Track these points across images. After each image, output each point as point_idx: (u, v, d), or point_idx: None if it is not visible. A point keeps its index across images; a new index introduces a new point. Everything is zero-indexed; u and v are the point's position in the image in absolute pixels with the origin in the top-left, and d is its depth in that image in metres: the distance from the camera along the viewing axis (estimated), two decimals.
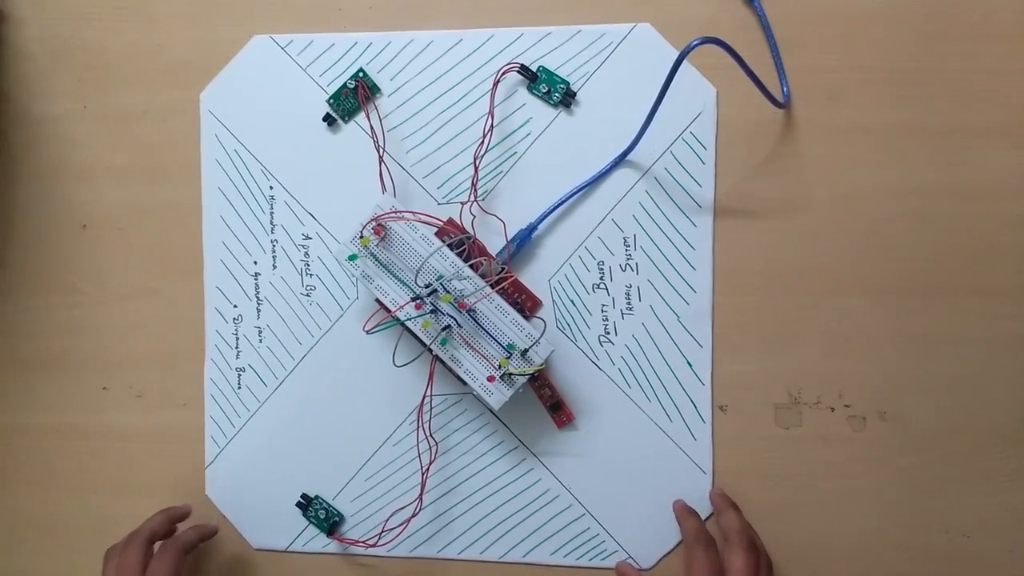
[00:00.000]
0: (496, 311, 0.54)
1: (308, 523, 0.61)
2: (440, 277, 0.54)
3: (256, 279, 0.62)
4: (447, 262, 0.55)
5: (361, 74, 0.61)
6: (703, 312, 0.58)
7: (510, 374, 0.54)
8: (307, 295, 0.62)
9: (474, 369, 0.55)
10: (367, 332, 0.54)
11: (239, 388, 0.62)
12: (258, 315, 0.62)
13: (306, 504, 0.61)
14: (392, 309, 0.55)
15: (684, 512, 0.56)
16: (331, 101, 0.61)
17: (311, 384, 0.62)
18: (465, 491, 0.60)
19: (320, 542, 0.61)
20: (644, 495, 0.58)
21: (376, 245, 0.55)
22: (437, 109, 0.60)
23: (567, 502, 0.59)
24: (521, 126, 0.60)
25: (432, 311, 0.54)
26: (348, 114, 0.61)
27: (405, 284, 0.55)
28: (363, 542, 0.60)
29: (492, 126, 0.58)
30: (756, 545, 0.52)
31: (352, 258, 0.55)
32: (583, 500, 0.59)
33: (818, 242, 0.58)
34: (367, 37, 0.61)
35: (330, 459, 0.61)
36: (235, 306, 0.62)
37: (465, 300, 0.54)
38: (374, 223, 0.54)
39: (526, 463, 0.60)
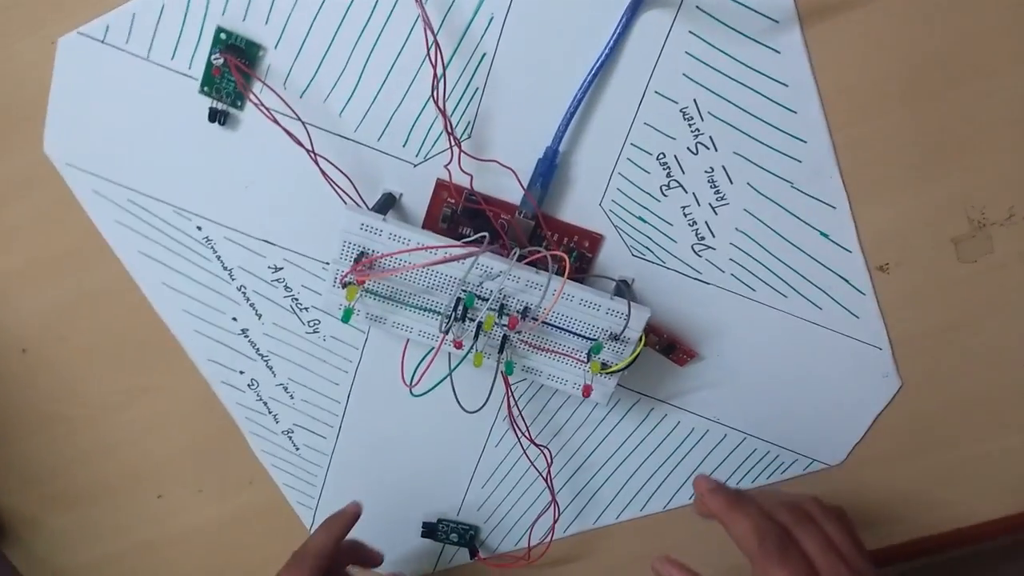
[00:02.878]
0: (558, 299, 0.39)
1: (443, 545, 0.54)
2: (469, 299, 0.39)
3: (247, 336, 0.48)
4: (467, 264, 0.39)
5: (224, 37, 0.40)
6: (824, 163, 0.41)
7: (608, 372, 0.40)
8: (315, 331, 0.48)
9: (559, 372, 0.42)
10: (413, 394, 0.41)
11: (298, 450, 0.52)
12: (272, 373, 0.49)
13: (431, 531, 0.53)
14: (423, 345, 0.41)
15: (726, 507, 0.37)
16: (205, 89, 0.41)
17: (374, 416, 0.50)
18: (598, 461, 0.50)
19: (466, 553, 0.54)
20: (812, 396, 0.46)
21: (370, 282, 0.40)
22: (350, 36, 0.40)
23: (720, 433, 0.48)
24: (476, 12, 0.39)
25: (477, 330, 0.40)
26: (238, 97, 0.42)
27: (427, 309, 0.40)
28: (515, 560, 0.52)
29: (435, 33, 0.39)
30: (806, 509, 0.38)
31: (347, 316, 0.40)
32: (738, 426, 0.48)
33: (957, 10, 0.38)
34: None
35: (434, 481, 0.52)
36: (241, 372, 0.50)
37: (516, 314, 0.39)
38: (351, 275, 0.38)
39: (656, 412, 0.48)
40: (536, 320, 0.39)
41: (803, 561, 0.35)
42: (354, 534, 0.49)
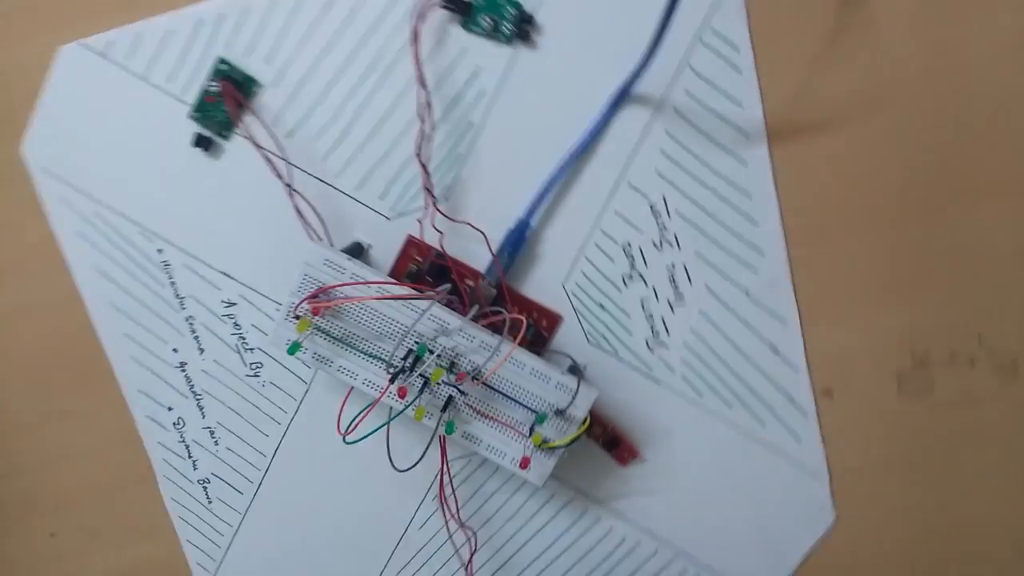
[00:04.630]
0: (508, 365, 0.39)
1: None
2: (421, 349, 0.38)
3: (184, 370, 0.47)
4: (425, 316, 0.39)
5: (224, 68, 0.42)
6: (779, 277, 0.42)
7: (549, 447, 0.40)
8: (255, 375, 0.47)
9: (498, 444, 0.40)
10: (346, 441, 0.39)
11: (210, 503, 0.49)
12: (202, 414, 0.47)
13: None
14: (367, 394, 0.40)
15: None
16: (197, 116, 0.43)
17: (296, 478, 0.48)
18: (523, 561, 0.48)
19: None
20: (747, 518, 0.45)
21: (323, 318, 0.39)
22: (345, 88, 0.42)
23: (651, 548, 0.47)
24: (468, 83, 0.41)
25: (423, 387, 0.39)
26: (225, 127, 0.43)
27: (377, 357, 0.40)
28: None
29: (428, 95, 0.40)
30: None
31: (294, 350, 0.39)
32: (672, 540, 0.46)
33: (920, 141, 0.41)
34: (213, 8, 0.41)
35: (346, 559, 0.49)
36: (170, 409, 0.48)
37: (465, 372, 0.38)
38: (307, 305, 0.38)
39: (590, 514, 0.46)
40: (484, 376, 0.38)
41: None
42: None
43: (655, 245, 0.42)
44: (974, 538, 0.45)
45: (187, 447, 0.48)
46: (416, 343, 0.39)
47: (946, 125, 0.41)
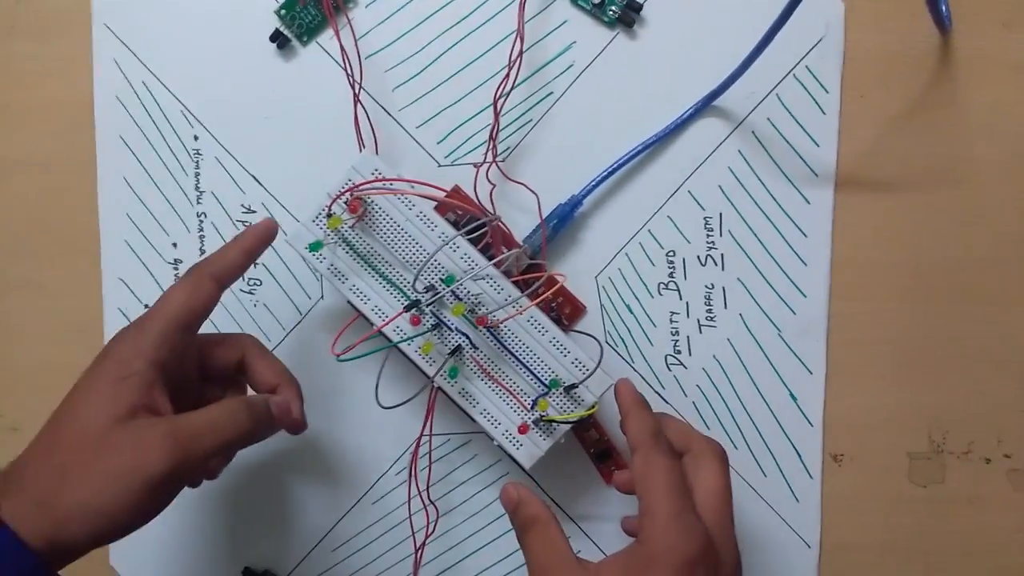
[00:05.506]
0: (528, 327, 0.37)
1: None
2: (450, 278, 0.36)
3: (176, 268, 0.44)
4: (457, 254, 0.37)
5: None
6: (815, 325, 0.41)
7: (550, 420, 0.37)
8: (250, 293, 0.43)
9: (496, 410, 0.37)
10: (338, 359, 0.36)
11: None
12: None
13: None
14: (375, 323, 0.37)
15: (636, 404, 0.35)
16: (282, 12, 0.42)
17: None
18: (473, 567, 0.43)
19: None
20: None
21: (351, 227, 0.37)
22: (438, 26, 0.42)
23: None
24: (560, 54, 0.41)
25: (435, 325, 0.37)
26: (308, 32, 0.42)
27: (395, 285, 0.37)
28: None
29: (520, 52, 0.40)
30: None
31: (316, 247, 0.37)
32: None
33: (981, 226, 0.41)
34: None
35: (285, 519, 0.44)
36: (146, 306, 0.44)
37: (487, 316, 0.36)
38: (348, 196, 0.36)
39: None
40: (507, 317, 0.36)
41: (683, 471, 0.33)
42: (169, 551, 0.41)
43: (699, 260, 0.41)
44: None
45: None
46: (441, 279, 0.37)
47: (1007, 216, 0.41)
